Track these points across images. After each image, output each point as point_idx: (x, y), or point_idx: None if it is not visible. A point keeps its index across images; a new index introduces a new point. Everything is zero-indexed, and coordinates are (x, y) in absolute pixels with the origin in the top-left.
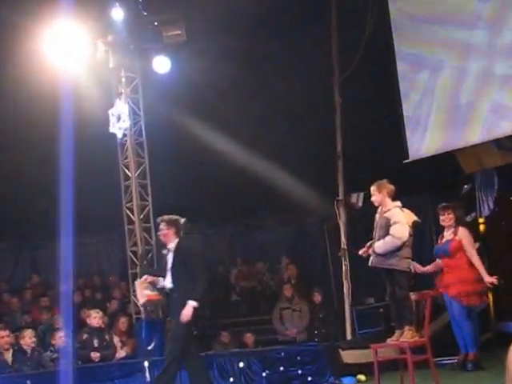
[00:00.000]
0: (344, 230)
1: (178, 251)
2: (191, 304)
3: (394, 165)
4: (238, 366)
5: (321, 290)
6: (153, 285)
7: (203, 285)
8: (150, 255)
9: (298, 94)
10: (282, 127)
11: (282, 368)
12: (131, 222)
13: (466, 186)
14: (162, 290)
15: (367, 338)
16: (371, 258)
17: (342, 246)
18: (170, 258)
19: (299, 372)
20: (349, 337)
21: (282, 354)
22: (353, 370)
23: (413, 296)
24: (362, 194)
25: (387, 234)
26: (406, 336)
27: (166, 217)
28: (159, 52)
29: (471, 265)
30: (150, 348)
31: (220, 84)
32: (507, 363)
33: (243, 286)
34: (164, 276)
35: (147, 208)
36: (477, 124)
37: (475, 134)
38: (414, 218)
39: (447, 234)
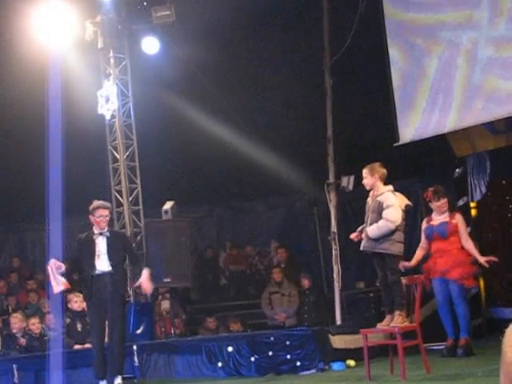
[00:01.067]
0: (334, 213)
1: (114, 236)
2: (148, 272)
3: (385, 148)
4: (227, 351)
5: (309, 274)
6: (59, 270)
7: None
8: (138, 237)
9: (289, 77)
10: (272, 110)
11: (270, 353)
12: (120, 205)
13: (457, 170)
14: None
15: (357, 322)
16: (363, 242)
17: (332, 229)
18: (101, 242)
19: (288, 357)
20: (338, 322)
21: (271, 338)
22: (342, 355)
23: (404, 280)
24: (352, 178)
25: (380, 217)
26: (397, 321)
27: (107, 203)
28: (148, 33)
29: (462, 248)
30: (138, 332)
31: (209, 66)
32: (503, 347)
33: (232, 270)
34: (83, 261)
35: (136, 190)
36: (469, 107)
37: (468, 117)
38: (407, 201)
39: (440, 218)
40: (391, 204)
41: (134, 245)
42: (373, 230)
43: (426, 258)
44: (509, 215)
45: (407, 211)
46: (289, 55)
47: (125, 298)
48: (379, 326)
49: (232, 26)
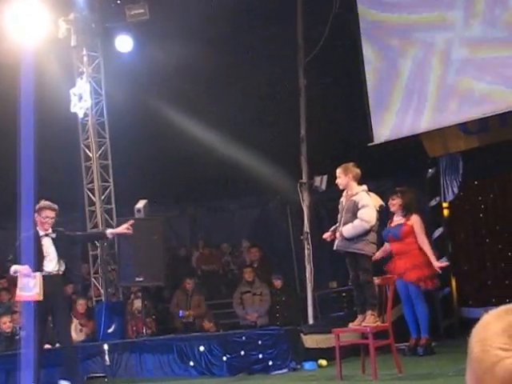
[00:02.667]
0: (307, 213)
1: (59, 236)
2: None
3: (358, 148)
4: (199, 350)
5: (281, 274)
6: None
7: None
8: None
9: (264, 76)
10: (246, 109)
11: (242, 352)
12: (92, 203)
13: (430, 170)
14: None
15: (329, 322)
16: (337, 241)
17: (305, 229)
18: (48, 243)
19: (260, 356)
20: (311, 321)
21: (243, 338)
22: (314, 354)
23: (376, 281)
24: (325, 177)
25: (354, 217)
26: (369, 321)
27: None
28: (122, 31)
29: (421, 249)
30: (110, 331)
31: (183, 64)
32: (469, 343)
33: (205, 269)
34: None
35: (108, 189)
36: (443, 108)
37: (441, 118)
38: (380, 202)
39: (397, 219)
40: (366, 204)
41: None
42: (348, 229)
43: (388, 258)
44: (481, 215)
45: (381, 211)
46: (263, 54)
47: (71, 301)
48: (351, 325)
49: (206, 25)
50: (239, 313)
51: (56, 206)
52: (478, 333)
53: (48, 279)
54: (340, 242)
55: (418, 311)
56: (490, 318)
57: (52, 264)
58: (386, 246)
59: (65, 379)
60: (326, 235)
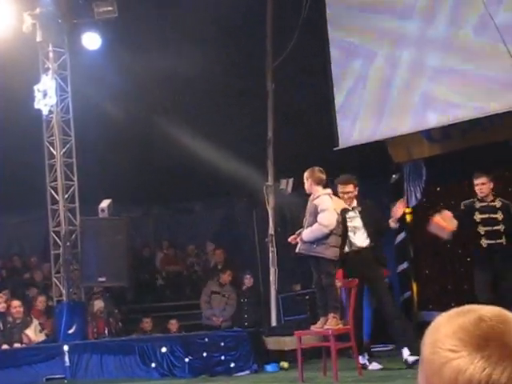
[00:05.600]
0: (272, 216)
1: None
2: None
3: (324, 152)
4: (161, 352)
5: (251, 274)
6: None
7: None
8: (73, 236)
9: (233, 79)
10: (214, 111)
11: (205, 354)
12: (55, 202)
13: (394, 176)
14: None
15: (292, 324)
16: (299, 244)
17: (270, 232)
18: None
19: (222, 358)
20: (273, 323)
21: (206, 339)
22: (276, 356)
23: (338, 283)
24: (291, 181)
25: (316, 221)
26: (330, 323)
27: None
28: (89, 28)
29: None
30: (70, 332)
31: (151, 64)
32: (421, 349)
33: (169, 270)
34: None
35: (72, 188)
36: (407, 114)
37: (405, 125)
38: (343, 205)
39: None
40: (325, 208)
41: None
42: (307, 233)
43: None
44: None
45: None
46: (232, 56)
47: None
48: (313, 328)
49: (174, 25)
50: (206, 313)
51: None
52: (429, 335)
53: None
54: (302, 246)
55: (365, 315)
56: (441, 320)
57: None
58: None
59: None
60: (291, 238)
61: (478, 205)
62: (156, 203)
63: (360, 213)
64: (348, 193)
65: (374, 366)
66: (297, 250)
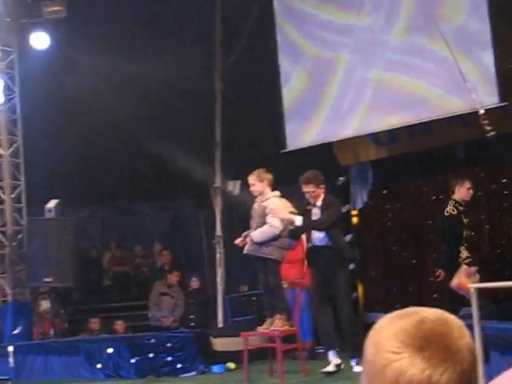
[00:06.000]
0: (219, 217)
1: None
2: None
3: (272, 154)
4: (107, 352)
5: (198, 276)
6: None
7: None
8: (19, 236)
9: (180, 81)
10: (162, 112)
11: (151, 355)
12: (1, 202)
13: (341, 178)
14: None
15: (238, 325)
16: (247, 245)
17: (217, 233)
18: None
19: (169, 359)
20: (220, 324)
21: (152, 340)
22: (223, 357)
23: (285, 285)
24: (238, 182)
25: (265, 222)
26: (277, 324)
27: None
28: (38, 27)
29: None
30: (15, 332)
31: (100, 65)
32: (364, 350)
33: (116, 270)
34: None
35: (19, 188)
36: (354, 117)
37: (352, 128)
38: (291, 208)
39: None
40: (275, 210)
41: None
42: (257, 234)
43: None
44: (388, 224)
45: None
46: (182, 57)
47: None
48: (260, 329)
49: (124, 25)
50: (155, 314)
51: None
52: (372, 336)
53: None
54: (250, 247)
55: (307, 317)
56: (383, 322)
57: None
58: None
59: None
60: (238, 241)
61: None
62: (103, 204)
63: (322, 210)
64: (309, 192)
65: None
66: (245, 251)
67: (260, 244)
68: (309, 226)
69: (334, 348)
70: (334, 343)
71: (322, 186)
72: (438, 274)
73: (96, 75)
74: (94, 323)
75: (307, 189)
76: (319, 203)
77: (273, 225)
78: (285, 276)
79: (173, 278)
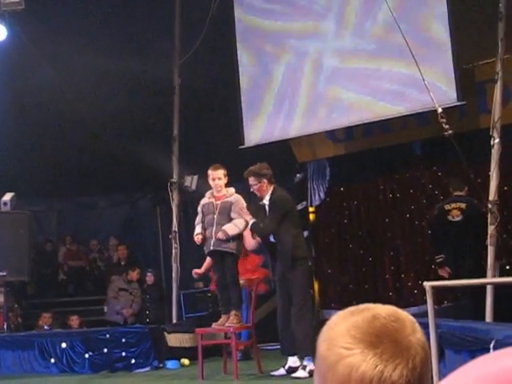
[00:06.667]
0: (176, 212)
1: None
2: None
3: (229, 150)
4: (60, 347)
5: (153, 271)
6: None
7: None
8: None
9: (139, 73)
10: (119, 105)
11: (105, 350)
12: None
13: (298, 175)
14: None
15: (193, 321)
16: (213, 241)
17: (174, 228)
18: None
19: (123, 354)
20: (175, 320)
21: (107, 335)
22: (177, 353)
23: (241, 281)
24: (195, 178)
25: (230, 218)
26: (232, 321)
27: None
28: None
29: (249, 253)
30: None
31: (58, 55)
32: (317, 346)
33: (71, 265)
34: None
35: None
36: (311, 115)
37: (311, 125)
38: (244, 203)
39: None
40: (244, 205)
41: None
42: (232, 229)
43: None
44: (345, 221)
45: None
46: (140, 51)
47: None
48: (214, 325)
49: (83, 18)
50: (113, 308)
51: None
52: (325, 332)
53: None
54: (217, 242)
55: (244, 316)
56: (336, 318)
57: None
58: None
59: None
60: (198, 239)
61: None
62: (59, 198)
63: (269, 208)
64: (251, 186)
65: (301, 373)
66: (212, 248)
67: (228, 240)
68: (256, 230)
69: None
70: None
71: (265, 180)
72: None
73: (54, 68)
74: (45, 318)
75: (250, 182)
76: (267, 197)
77: (247, 220)
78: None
79: (134, 274)
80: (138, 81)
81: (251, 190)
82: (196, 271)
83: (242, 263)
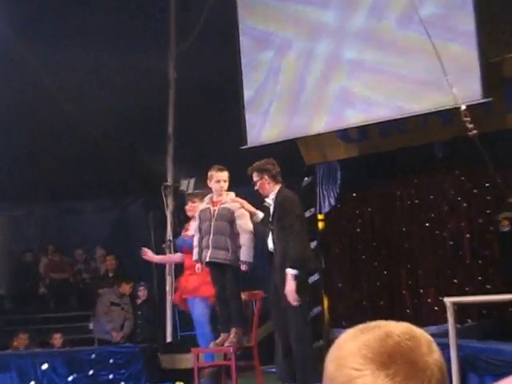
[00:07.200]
0: (171, 219)
1: None
2: None
3: (230, 150)
4: (41, 368)
5: (146, 285)
6: None
7: None
8: None
9: (131, 66)
10: (108, 101)
11: (91, 371)
12: None
13: (306, 179)
14: None
15: (189, 340)
16: (209, 251)
17: (168, 237)
18: None
19: (110, 377)
20: (169, 339)
21: (93, 355)
22: (171, 376)
23: (243, 296)
24: (192, 181)
25: (229, 225)
26: (232, 340)
27: None
28: None
29: None
30: None
31: (38, 49)
32: (324, 366)
33: (54, 277)
34: None
35: None
36: (322, 111)
37: (320, 123)
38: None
39: (194, 225)
40: (244, 213)
41: None
42: (248, 253)
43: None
44: (358, 230)
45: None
46: (132, 42)
47: None
48: (213, 344)
49: (72, 10)
50: (103, 325)
51: None
52: (333, 352)
53: None
54: (213, 253)
55: (204, 333)
56: (346, 336)
57: None
58: (178, 255)
59: None
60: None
61: None
62: (41, 202)
63: (274, 207)
64: (253, 182)
65: None
66: (207, 259)
67: (225, 250)
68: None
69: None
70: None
71: (266, 177)
72: None
73: (40, 65)
74: (21, 339)
75: (253, 178)
76: (272, 197)
77: (250, 231)
78: (183, 284)
79: (127, 288)
80: (128, 74)
81: (255, 187)
82: (146, 251)
83: (201, 275)
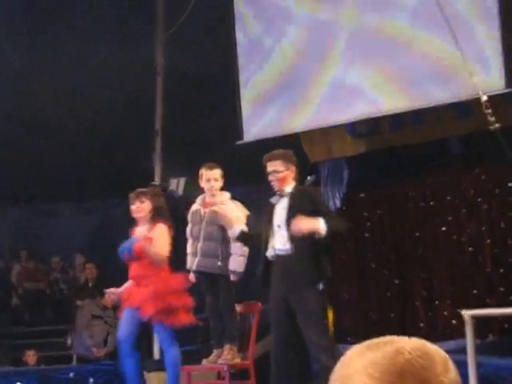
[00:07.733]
0: None
1: None
2: None
3: (224, 147)
4: None
5: None
6: None
7: None
8: None
9: (116, 54)
10: (91, 94)
11: None
12: None
13: (309, 178)
14: None
15: None
16: (197, 259)
17: None
18: None
19: None
20: (157, 356)
21: (71, 374)
22: None
23: (238, 308)
24: (182, 180)
25: (220, 230)
26: (226, 357)
27: None
28: None
29: (171, 272)
30: None
31: (21, 42)
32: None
33: (27, 287)
34: None
35: None
36: (327, 104)
37: (324, 115)
38: (246, 212)
39: (142, 230)
40: (235, 218)
41: None
42: (239, 262)
43: None
44: (366, 235)
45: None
46: (116, 28)
47: None
48: (205, 362)
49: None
50: (83, 341)
51: None
52: (338, 370)
53: None
54: (203, 261)
55: (166, 357)
56: (352, 353)
57: None
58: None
59: None
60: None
61: None
62: (14, 204)
63: (292, 200)
64: (274, 172)
65: None
66: (194, 268)
67: (215, 257)
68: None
69: None
70: None
71: (294, 169)
72: None
73: (22, 59)
74: None
75: (272, 167)
76: (288, 190)
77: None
78: (126, 298)
79: (108, 299)
80: (112, 62)
81: (270, 178)
82: (111, 291)
83: (146, 288)
